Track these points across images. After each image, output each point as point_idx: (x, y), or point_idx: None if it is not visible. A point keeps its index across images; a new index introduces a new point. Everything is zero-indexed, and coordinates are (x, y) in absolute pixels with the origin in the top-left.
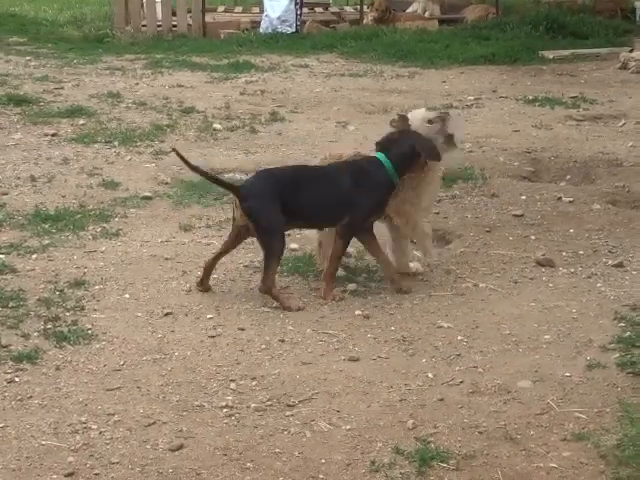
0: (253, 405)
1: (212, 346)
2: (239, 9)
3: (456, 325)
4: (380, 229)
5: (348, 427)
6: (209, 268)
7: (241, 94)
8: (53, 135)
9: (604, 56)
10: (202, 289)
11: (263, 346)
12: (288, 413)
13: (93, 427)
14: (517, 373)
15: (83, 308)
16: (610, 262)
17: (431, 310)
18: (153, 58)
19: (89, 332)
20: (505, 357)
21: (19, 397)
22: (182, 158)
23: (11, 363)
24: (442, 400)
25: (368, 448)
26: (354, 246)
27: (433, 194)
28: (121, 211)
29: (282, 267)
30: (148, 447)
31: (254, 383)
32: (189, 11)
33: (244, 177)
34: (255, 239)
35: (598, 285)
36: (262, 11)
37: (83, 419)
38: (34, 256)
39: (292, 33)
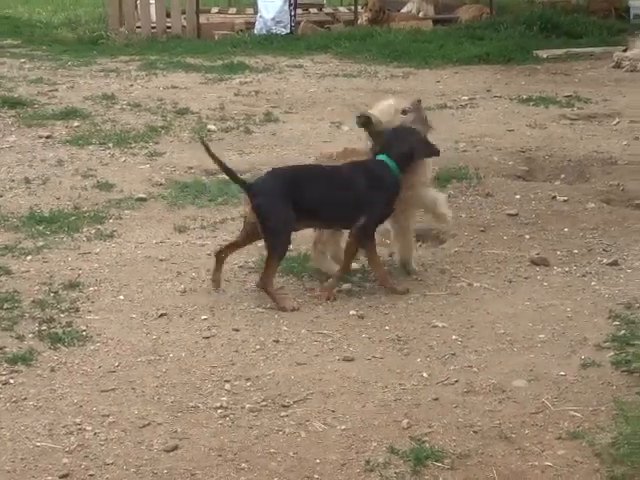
0: (248, 406)
1: (207, 347)
2: (233, 10)
3: (451, 324)
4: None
5: (343, 427)
6: (219, 258)
7: (235, 95)
8: (47, 137)
9: (598, 55)
10: (213, 280)
11: (258, 347)
12: (283, 413)
13: (88, 428)
14: (512, 372)
15: (78, 310)
16: (604, 261)
17: (426, 310)
18: (147, 59)
19: (84, 334)
20: (500, 356)
21: (14, 399)
22: (207, 147)
23: (6, 365)
24: (437, 399)
25: (363, 448)
26: None
27: (426, 187)
28: (115, 212)
29: None
30: (143, 448)
31: (249, 384)
32: (183, 12)
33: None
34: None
35: (592, 284)
36: (256, 12)
37: (78, 420)
38: (29, 258)
39: (286, 34)
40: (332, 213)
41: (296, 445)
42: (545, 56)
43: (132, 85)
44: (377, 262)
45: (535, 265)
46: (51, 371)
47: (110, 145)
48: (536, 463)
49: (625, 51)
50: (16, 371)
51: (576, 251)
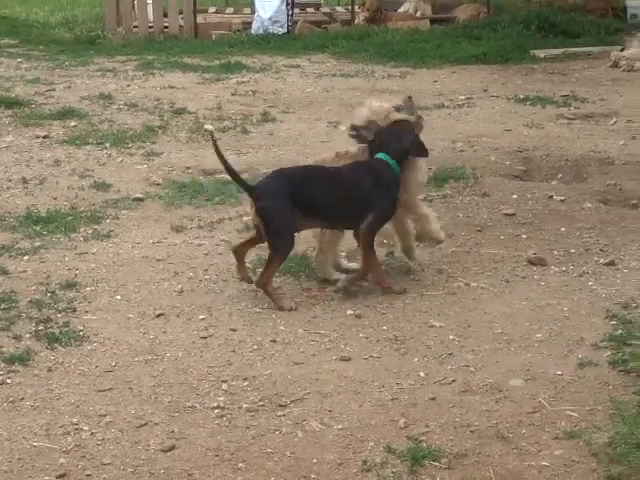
0: (245, 405)
1: (204, 347)
2: (230, 10)
3: (448, 324)
4: None
5: (340, 427)
6: (237, 256)
7: (232, 95)
8: (45, 137)
9: (595, 55)
10: (241, 278)
11: (255, 346)
12: (280, 413)
13: (85, 428)
14: (509, 372)
15: (75, 310)
16: (601, 260)
17: (423, 309)
18: (145, 59)
19: (81, 333)
20: (497, 356)
21: (11, 399)
22: (216, 146)
23: (3, 365)
24: (434, 399)
25: (360, 447)
26: (345, 247)
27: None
28: (112, 212)
29: None
30: (140, 448)
31: (246, 383)
32: (181, 12)
33: None
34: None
35: (590, 283)
36: (253, 12)
37: (75, 420)
38: (25, 258)
39: (283, 34)
40: (336, 213)
41: (293, 445)
42: (542, 56)
43: (129, 85)
44: (374, 262)
45: (532, 265)
46: (48, 371)
47: (107, 145)
48: (533, 463)
49: (622, 50)
50: (13, 371)
51: (573, 251)
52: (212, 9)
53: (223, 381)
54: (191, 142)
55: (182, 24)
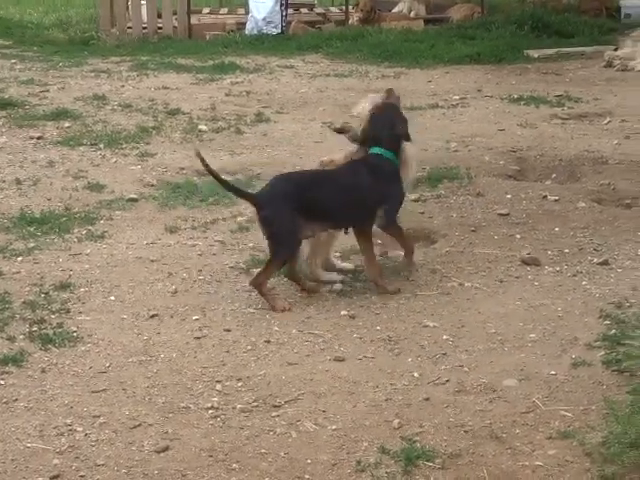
0: (239, 406)
1: (198, 347)
2: (224, 11)
3: (442, 324)
4: None
5: (334, 427)
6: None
7: (226, 95)
8: (38, 138)
9: (589, 55)
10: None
11: (249, 347)
12: (274, 414)
13: (78, 429)
14: (503, 372)
15: (68, 311)
16: (595, 260)
17: (417, 309)
18: (139, 60)
19: (74, 334)
20: (491, 356)
21: (4, 400)
22: (203, 161)
23: None
24: (428, 399)
25: (354, 448)
26: (339, 247)
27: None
28: (106, 213)
29: None
30: (134, 449)
31: (240, 384)
32: (174, 13)
33: (229, 178)
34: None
35: (583, 283)
36: (247, 12)
37: (68, 421)
38: (19, 259)
39: (277, 34)
40: (343, 215)
41: (287, 445)
42: (536, 56)
43: (123, 86)
44: (373, 259)
45: (526, 265)
46: (42, 372)
47: (101, 146)
48: (527, 463)
49: (616, 50)
50: (7, 372)
51: (567, 251)
52: (206, 10)
53: (217, 382)
54: (185, 143)
55: (176, 25)
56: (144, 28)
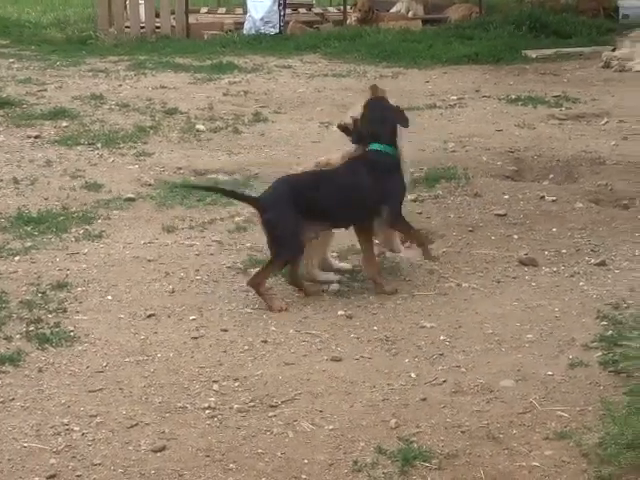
0: (236, 406)
1: (195, 347)
2: (222, 10)
3: (439, 325)
4: None
5: (331, 427)
6: None
7: (224, 95)
8: (36, 137)
9: (587, 55)
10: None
11: (246, 347)
12: (271, 414)
13: (75, 429)
14: (500, 372)
15: (65, 310)
16: (592, 261)
17: (414, 310)
18: (136, 59)
19: (71, 334)
20: (488, 356)
21: (1, 399)
22: (194, 187)
23: None
24: (425, 400)
25: (351, 448)
26: (336, 247)
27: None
28: (104, 213)
29: None
30: (130, 448)
31: (237, 384)
32: (172, 12)
33: (227, 178)
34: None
35: (581, 284)
36: (245, 12)
37: (65, 421)
38: (16, 258)
39: (275, 34)
40: (346, 215)
41: (284, 445)
42: (534, 56)
43: (121, 85)
44: (372, 258)
45: (523, 265)
46: (39, 371)
47: (99, 145)
48: (524, 463)
49: (614, 51)
50: (3, 372)
51: (564, 251)
52: (204, 9)
53: (214, 381)
54: (183, 142)
55: (174, 24)
56: (142, 27)
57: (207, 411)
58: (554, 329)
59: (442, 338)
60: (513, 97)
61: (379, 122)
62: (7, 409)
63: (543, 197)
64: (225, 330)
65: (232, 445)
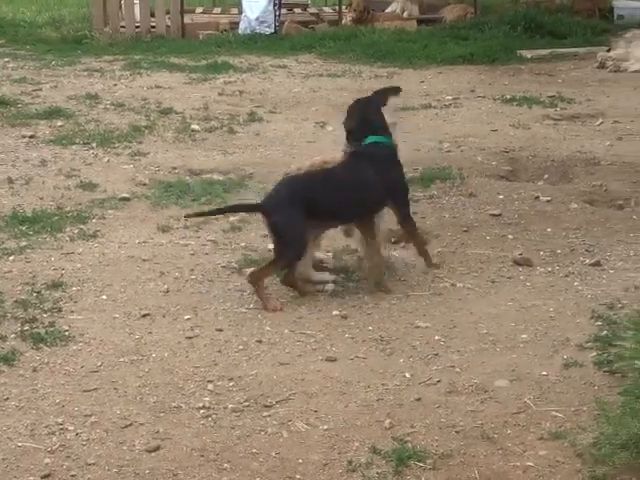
0: (230, 406)
1: (189, 347)
2: (218, 10)
3: (434, 325)
4: None
5: (325, 427)
6: None
7: (219, 95)
8: (31, 137)
9: (582, 55)
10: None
11: (241, 347)
12: (265, 414)
13: (70, 428)
14: (494, 372)
15: (60, 310)
16: (587, 261)
17: (409, 310)
18: (132, 59)
19: (66, 334)
20: (482, 356)
21: None
22: (197, 215)
23: None
24: (419, 400)
25: (345, 448)
26: (331, 246)
27: None
28: (99, 212)
29: None
30: (125, 448)
31: (231, 384)
32: (168, 12)
33: (222, 177)
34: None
35: (575, 284)
36: (241, 12)
37: (60, 420)
38: (11, 258)
39: (271, 34)
40: (351, 211)
41: (278, 445)
42: (529, 56)
43: (116, 85)
44: (378, 250)
45: (518, 265)
46: (33, 371)
47: (94, 145)
48: (518, 463)
49: (609, 51)
50: None
51: (559, 251)
52: (199, 9)
53: (209, 381)
54: (178, 142)
55: (169, 24)
56: (137, 27)
57: (202, 411)
58: (549, 329)
59: (437, 338)
60: (508, 97)
61: (365, 114)
62: (1, 409)
63: (538, 197)
64: (220, 330)
65: (226, 445)
